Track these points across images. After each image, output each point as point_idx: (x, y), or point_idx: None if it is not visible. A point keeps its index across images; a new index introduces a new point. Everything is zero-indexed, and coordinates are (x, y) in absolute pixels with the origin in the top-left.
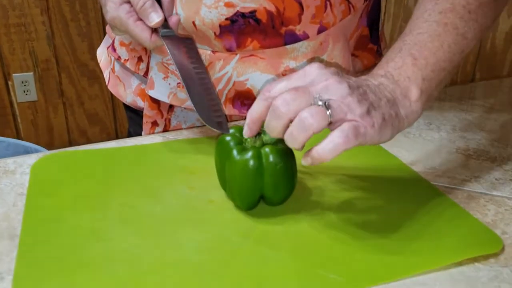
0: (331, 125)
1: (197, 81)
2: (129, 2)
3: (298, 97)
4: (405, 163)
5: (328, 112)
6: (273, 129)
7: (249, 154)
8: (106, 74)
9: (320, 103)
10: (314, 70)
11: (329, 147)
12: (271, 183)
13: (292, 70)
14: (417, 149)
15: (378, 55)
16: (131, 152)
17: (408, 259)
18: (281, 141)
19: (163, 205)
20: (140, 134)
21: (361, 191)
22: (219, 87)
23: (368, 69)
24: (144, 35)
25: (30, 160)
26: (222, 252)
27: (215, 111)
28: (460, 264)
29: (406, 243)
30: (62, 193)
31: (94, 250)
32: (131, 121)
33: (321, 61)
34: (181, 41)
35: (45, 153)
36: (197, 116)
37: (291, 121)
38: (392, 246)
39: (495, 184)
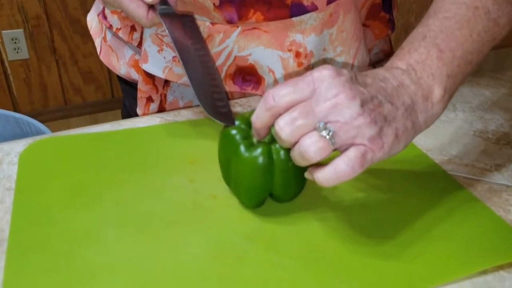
0: (338, 149)
1: (199, 65)
2: None
3: (300, 119)
4: (422, 150)
5: (331, 142)
6: (281, 145)
7: (259, 150)
8: (97, 43)
9: (324, 133)
10: (324, 79)
11: (331, 176)
12: (281, 181)
13: (299, 45)
14: (433, 132)
15: (391, 23)
16: (127, 136)
17: (427, 267)
18: None
19: (162, 202)
20: (135, 109)
21: (375, 186)
22: (218, 62)
23: (379, 39)
24: (140, 12)
25: (18, 147)
26: (228, 258)
27: (220, 100)
28: (484, 272)
29: (425, 248)
30: (53, 188)
31: (89, 257)
32: (125, 93)
33: (328, 62)
34: (181, 19)
35: (34, 138)
36: None
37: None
38: (410, 252)
39: None
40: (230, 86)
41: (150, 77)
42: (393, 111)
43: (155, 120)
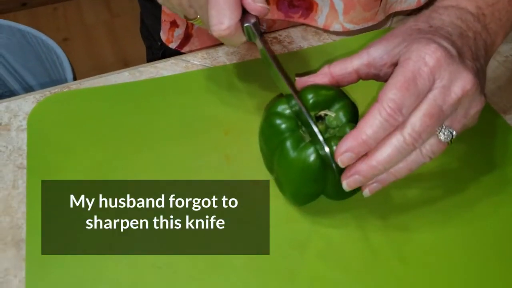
0: None
1: None
2: None
3: (430, 126)
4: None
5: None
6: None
7: (309, 151)
8: None
9: (444, 137)
10: (441, 65)
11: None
12: (335, 188)
13: None
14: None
15: None
16: (148, 91)
17: None
18: (354, 121)
19: (199, 192)
20: (157, 29)
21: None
22: None
23: None
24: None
25: (26, 106)
26: (276, 274)
27: None
28: None
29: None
30: (70, 165)
31: (123, 269)
32: (145, 11)
33: None
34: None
35: (44, 93)
36: None
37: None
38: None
39: None
40: (273, 12)
41: None
42: (481, 76)
43: (180, 65)
